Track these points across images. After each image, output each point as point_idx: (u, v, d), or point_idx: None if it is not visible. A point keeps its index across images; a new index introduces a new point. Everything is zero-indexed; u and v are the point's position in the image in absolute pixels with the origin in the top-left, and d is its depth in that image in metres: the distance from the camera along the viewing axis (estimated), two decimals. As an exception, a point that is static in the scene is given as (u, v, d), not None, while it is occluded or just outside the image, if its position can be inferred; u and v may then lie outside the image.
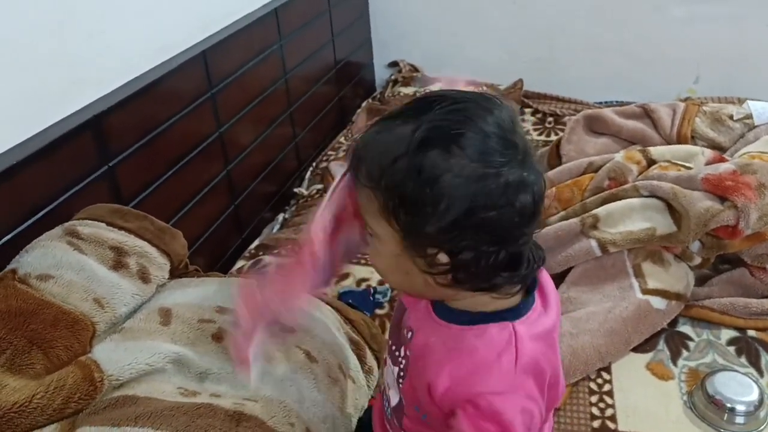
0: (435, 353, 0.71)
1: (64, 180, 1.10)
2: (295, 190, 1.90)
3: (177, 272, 1.11)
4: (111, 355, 0.87)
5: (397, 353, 0.79)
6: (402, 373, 0.78)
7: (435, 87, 2.34)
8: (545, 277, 0.77)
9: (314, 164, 2.03)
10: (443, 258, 0.64)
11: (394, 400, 0.81)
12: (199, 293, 1.03)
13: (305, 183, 1.95)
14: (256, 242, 1.66)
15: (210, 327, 0.98)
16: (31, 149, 1.04)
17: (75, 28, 1.15)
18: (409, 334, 0.76)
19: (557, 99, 2.38)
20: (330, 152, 2.08)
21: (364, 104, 2.39)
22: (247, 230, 1.71)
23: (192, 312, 0.99)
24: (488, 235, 0.62)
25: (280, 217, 1.81)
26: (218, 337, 0.97)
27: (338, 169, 1.88)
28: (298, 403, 0.91)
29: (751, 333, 1.30)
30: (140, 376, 0.87)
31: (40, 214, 1.05)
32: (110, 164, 1.19)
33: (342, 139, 2.16)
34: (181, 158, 1.40)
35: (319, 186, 1.87)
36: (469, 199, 0.60)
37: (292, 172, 1.95)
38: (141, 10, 1.30)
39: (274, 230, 1.75)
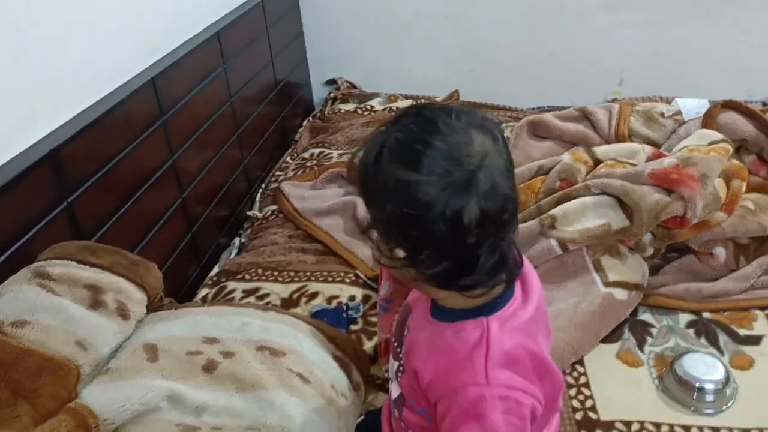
0: (421, 349, 0.76)
1: (24, 218, 1.05)
2: (248, 212, 1.88)
3: (153, 305, 1.07)
4: (101, 398, 0.84)
5: (398, 349, 0.83)
6: (401, 368, 0.81)
7: (374, 101, 2.38)
8: (528, 269, 0.80)
9: (263, 185, 2.01)
10: (400, 253, 0.68)
11: (395, 393, 0.84)
12: (182, 326, 1.01)
13: (256, 205, 1.92)
14: (216, 269, 1.62)
15: (199, 359, 0.96)
16: (-10, 187, 0.99)
17: (27, 59, 1.10)
18: (406, 331, 0.82)
19: (493, 107, 2.45)
20: (278, 172, 2.07)
21: (305, 123, 2.39)
22: (206, 257, 1.68)
23: (178, 345, 0.96)
24: (422, 239, 0.66)
25: (236, 241, 1.78)
26: (208, 368, 0.95)
27: (291, 189, 1.87)
28: (300, 428, 0.90)
29: (707, 315, 1.38)
30: (135, 416, 0.84)
31: (2, 257, 1.00)
32: (69, 199, 1.15)
33: (288, 159, 2.15)
34: (137, 188, 1.36)
35: (273, 207, 1.85)
36: (392, 198, 0.65)
37: (242, 195, 1.93)
38: (89, 34, 1.26)
39: (232, 255, 1.72)
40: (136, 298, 1.02)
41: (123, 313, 0.99)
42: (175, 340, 0.98)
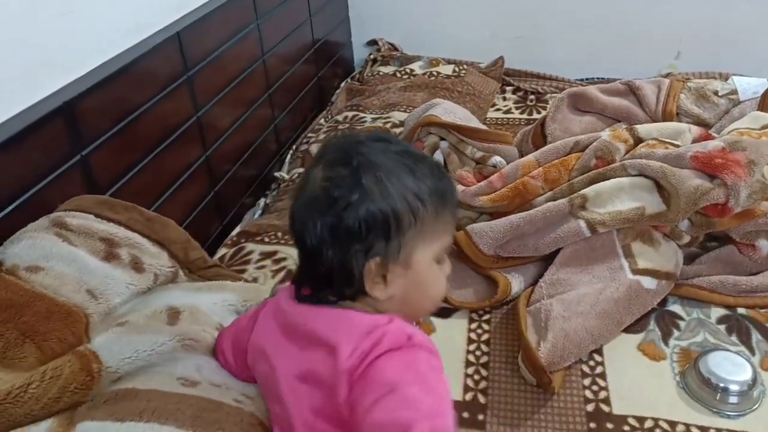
0: None
1: (36, 169, 1.05)
2: (276, 174, 1.86)
3: (193, 265, 1.07)
4: (112, 347, 0.84)
5: None
6: None
7: (415, 65, 2.31)
8: None
9: (294, 147, 1.98)
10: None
11: None
12: (209, 299, 1.00)
13: (285, 166, 1.90)
14: (237, 229, 1.61)
15: (208, 337, 0.94)
16: (1, 137, 0.99)
17: (43, 8, 1.08)
18: None
19: (538, 76, 2.36)
20: (310, 134, 2.04)
21: (342, 84, 2.34)
22: (228, 216, 1.67)
23: (201, 317, 0.96)
24: None
25: (261, 201, 1.77)
26: (212, 350, 0.94)
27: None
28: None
29: (741, 311, 1.30)
30: (138, 369, 0.84)
31: (13, 205, 1.01)
32: (83, 153, 1.14)
33: (322, 121, 2.12)
34: (158, 144, 1.35)
35: (300, 169, 1.82)
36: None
37: (272, 156, 1.91)
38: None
39: (256, 216, 1.71)
40: (151, 252, 1.02)
41: (136, 266, 0.99)
42: (199, 312, 0.98)
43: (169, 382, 0.82)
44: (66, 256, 0.90)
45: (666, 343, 1.24)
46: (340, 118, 2.08)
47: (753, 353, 1.21)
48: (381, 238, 0.75)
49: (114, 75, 1.20)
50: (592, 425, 1.10)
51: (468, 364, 1.24)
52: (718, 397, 1.11)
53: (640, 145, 1.50)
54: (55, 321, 0.83)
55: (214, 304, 0.97)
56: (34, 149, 1.04)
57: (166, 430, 0.73)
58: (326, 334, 0.76)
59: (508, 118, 2.14)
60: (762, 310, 1.29)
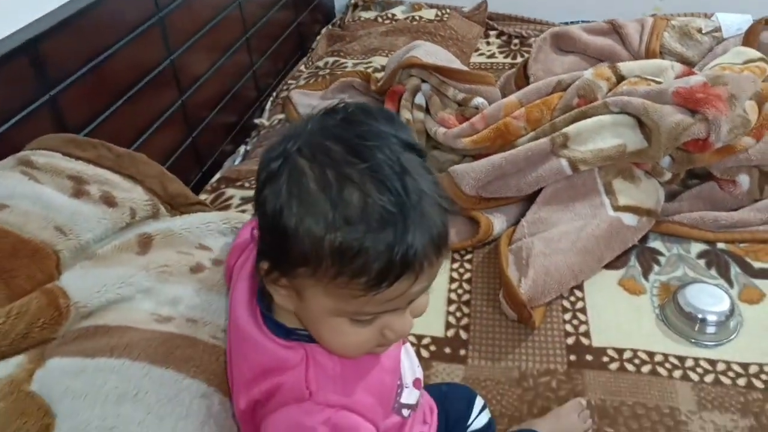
0: None
1: (1, 108, 1.02)
2: (256, 120, 1.83)
3: (174, 201, 1.05)
4: (79, 282, 0.82)
5: None
6: None
7: (397, 10, 2.26)
8: None
9: (274, 94, 1.95)
10: None
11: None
12: (187, 221, 0.97)
13: (266, 113, 1.87)
14: (217, 175, 1.59)
15: (189, 259, 0.92)
16: (-39, 76, 0.95)
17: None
18: None
19: (522, 20, 2.32)
20: (290, 81, 2.00)
21: (323, 30, 2.29)
22: (208, 163, 1.64)
23: (174, 242, 0.93)
24: None
25: (242, 149, 1.74)
26: (195, 270, 0.92)
27: (300, 97, 1.81)
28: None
29: (721, 246, 1.30)
30: (109, 304, 0.82)
31: (-22, 146, 0.98)
32: (51, 93, 1.11)
33: (302, 68, 2.07)
34: (130, 87, 1.31)
35: (281, 116, 1.79)
36: None
37: (251, 103, 1.87)
38: None
39: (236, 162, 1.68)
40: (123, 187, 0.98)
41: (108, 200, 0.95)
42: (174, 236, 0.95)
43: (142, 318, 0.80)
44: (31, 194, 0.86)
45: (646, 278, 1.25)
46: (320, 64, 2.04)
47: (732, 286, 1.22)
48: (268, 243, 0.62)
49: (80, 13, 1.16)
50: (572, 357, 1.11)
51: (450, 302, 1.24)
52: (696, 328, 1.13)
53: (623, 82, 1.48)
54: (21, 258, 0.80)
55: (191, 224, 0.94)
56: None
57: (138, 366, 0.72)
58: (238, 355, 0.72)
59: (491, 63, 2.11)
60: (741, 245, 1.30)
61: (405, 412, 0.75)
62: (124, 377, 0.71)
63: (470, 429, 0.91)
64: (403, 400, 0.75)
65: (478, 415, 0.93)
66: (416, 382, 0.79)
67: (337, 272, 0.56)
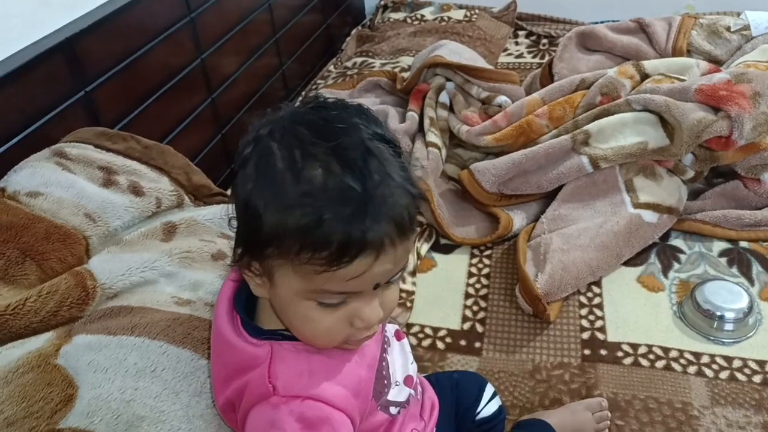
0: None
1: (39, 104, 1.08)
2: (284, 119, 1.87)
3: (198, 192, 1.10)
4: (105, 266, 0.87)
5: None
6: None
7: (426, 11, 2.29)
8: None
9: (303, 93, 1.99)
10: None
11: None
12: (210, 212, 1.02)
13: (294, 113, 1.91)
14: (245, 171, 1.64)
15: (210, 247, 0.96)
16: (2, 72, 1.01)
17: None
18: None
19: (552, 20, 2.32)
20: (319, 81, 2.04)
21: (353, 32, 2.33)
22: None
23: (198, 230, 0.98)
24: None
25: (270, 147, 1.79)
26: (217, 257, 0.96)
27: (327, 96, 1.85)
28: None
29: (743, 244, 1.29)
30: (134, 286, 0.86)
31: (18, 138, 1.04)
32: (87, 89, 1.17)
33: (331, 68, 2.11)
34: (161, 85, 1.36)
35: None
36: None
37: (279, 102, 1.91)
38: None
39: (264, 160, 1.73)
40: (150, 177, 1.04)
41: (135, 190, 1.01)
42: (197, 225, 0.99)
43: (163, 301, 0.84)
44: (64, 182, 0.92)
45: (665, 276, 1.25)
46: (349, 64, 2.07)
47: (752, 284, 1.21)
48: (241, 227, 0.64)
49: (114, 14, 1.22)
50: (587, 351, 1.11)
51: (467, 296, 1.26)
52: (714, 325, 1.12)
53: (647, 80, 1.48)
54: (53, 242, 0.86)
55: (214, 215, 0.99)
56: (35, 84, 1.06)
57: (156, 345, 0.76)
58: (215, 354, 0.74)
59: (520, 63, 2.11)
60: (764, 243, 1.28)
61: (393, 410, 0.76)
62: (143, 354, 0.75)
63: (480, 415, 0.93)
64: (391, 397, 0.76)
65: (488, 402, 0.94)
66: (408, 380, 0.79)
67: (300, 247, 0.57)
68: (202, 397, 0.75)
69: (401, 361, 0.81)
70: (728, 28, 1.65)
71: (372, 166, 0.58)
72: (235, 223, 0.65)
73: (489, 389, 0.96)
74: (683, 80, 1.44)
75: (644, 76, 1.50)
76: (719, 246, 1.30)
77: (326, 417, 0.65)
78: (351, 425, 0.67)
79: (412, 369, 0.82)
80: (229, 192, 1.47)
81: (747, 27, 1.63)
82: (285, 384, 0.64)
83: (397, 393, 0.77)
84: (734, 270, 1.24)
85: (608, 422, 0.98)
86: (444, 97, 1.64)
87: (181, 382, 0.74)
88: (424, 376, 0.95)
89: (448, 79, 1.67)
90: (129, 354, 0.74)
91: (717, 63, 1.61)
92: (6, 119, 1.03)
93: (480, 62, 1.74)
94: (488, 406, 0.94)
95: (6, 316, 0.76)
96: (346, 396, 0.67)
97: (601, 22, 2.23)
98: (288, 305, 0.64)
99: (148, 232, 0.94)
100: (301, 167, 0.57)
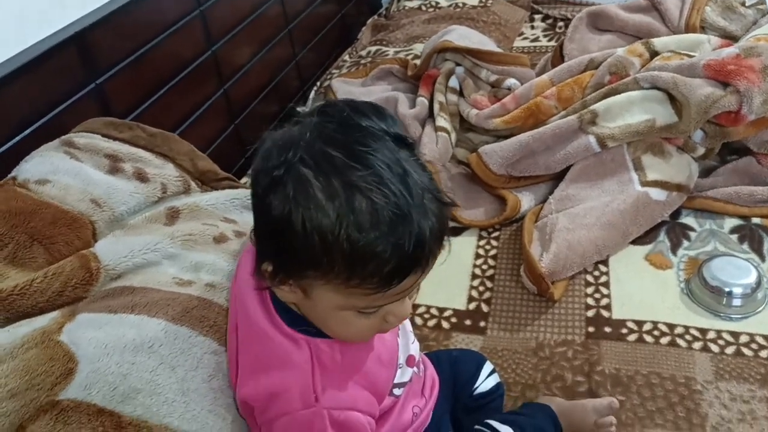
0: None
1: (52, 96, 1.12)
2: (298, 109, 1.89)
3: (204, 177, 1.12)
4: (109, 248, 0.90)
5: None
6: None
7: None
8: None
9: (318, 83, 2.01)
10: None
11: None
12: (213, 197, 1.05)
13: (309, 102, 1.93)
14: (258, 161, 1.66)
15: (212, 230, 0.99)
16: (14, 65, 1.05)
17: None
18: None
19: (568, 2, 2.29)
20: (334, 70, 2.06)
21: (369, 21, 2.34)
22: (250, 150, 1.72)
23: (200, 215, 1.00)
24: None
25: (284, 136, 1.81)
26: (218, 240, 0.98)
27: (340, 85, 1.86)
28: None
29: (756, 220, 1.27)
30: (136, 268, 0.89)
31: (31, 128, 1.08)
32: (98, 81, 1.20)
33: (346, 57, 2.13)
34: (172, 77, 1.40)
35: (322, 103, 1.85)
36: None
37: (294, 92, 1.94)
38: None
39: (278, 149, 1.75)
40: (155, 164, 1.07)
41: (140, 176, 1.03)
42: (200, 210, 1.02)
43: (165, 281, 0.87)
44: (72, 170, 0.96)
45: (674, 253, 1.24)
46: (363, 53, 2.09)
47: (763, 260, 1.19)
48: (273, 248, 0.64)
49: (125, 6, 1.25)
50: (591, 329, 1.12)
51: (474, 276, 1.27)
52: (723, 302, 1.11)
53: (656, 58, 1.46)
54: (60, 226, 0.89)
55: (217, 199, 1.02)
56: (48, 77, 1.10)
57: (155, 322, 0.79)
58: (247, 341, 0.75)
59: (535, 47, 2.10)
60: (778, 219, 1.26)
61: (397, 391, 0.79)
62: (141, 331, 0.77)
63: (477, 390, 0.94)
64: (396, 380, 0.79)
65: (486, 379, 0.95)
66: (410, 359, 0.81)
67: (350, 275, 0.59)
68: (197, 372, 0.77)
69: (403, 341, 0.83)
70: (743, 3, 1.62)
71: (411, 186, 0.59)
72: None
73: (487, 366, 0.97)
74: (693, 56, 1.42)
75: (654, 54, 1.48)
76: (731, 223, 1.28)
77: (356, 421, 0.70)
78: (374, 423, 0.74)
79: (414, 348, 0.84)
80: (245, 181, 1.51)
81: (762, 1, 1.60)
82: (326, 393, 0.68)
83: (400, 375, 0.80)
84: (745, 246, 1.22)
85: (612, 429, 0.93)
86: (454, 82, 1.65)
87: (177, 357, 0.77)
88: (424, 354, 0.96)
89: (457, 64, 1.68)
90: (128, 331, 0.77)
91: (732, 39, 1.58)
92: (20, 110, 1.07)
93: (489, 46, 1.73)
94: (486, 382, 0.95)
95: (14, 296, 0.79)
96: (373, 402, 0.74)
97: (617, 4, 2.21)
98: (324, 314, 0.67)
99: (152, 216, 0.97)
100: (345, 198, 0.58)
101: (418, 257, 0.59)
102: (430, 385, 0.89)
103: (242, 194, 1.07)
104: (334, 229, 0.57)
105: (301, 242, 0.59)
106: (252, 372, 0.73)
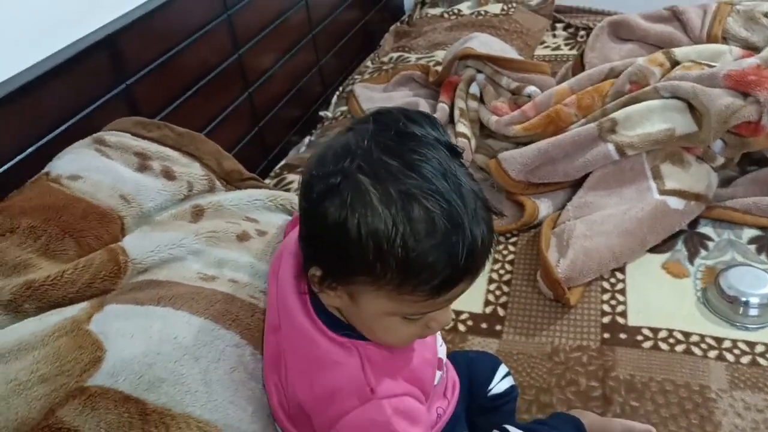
0: None
1: (83, 96, 1.16)
2: (321, 113, 1.92)
3: (229, 177, 1.15)
4: (137, 243, 0.93)
5: None
6: None
7: (463, 5, 2.30)
8: None
9: (340, 88, 2.04)
10: None
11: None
12: (236, 196, 1.08)
13: (331, 107, 1.96)
14: (281, 162, 1.70)
15: (235, 228, 1.01)
16: (48, 66, 1.09)
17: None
18: None
19: (591, 12, 2.30)
20: (356, 76, 2.09)
21: (391, 28, 2.37)
22: (273, 152, 1.75)
23: (224, 214, 1.03)
24: None
25: (306, 139, 1.84)
26: (241, 238, 1.01)
27: (362, 90, 1.89)
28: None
29: (774, 231, 1.27)
30: (162, 262, 0.92)
31: (63, 127, 1.12)
32: (127, 83, 1.24)
33: (368, 63, 2.16)
34: (199, 80, 1.43)
35: (344, 108, 1.88)
36: None
37: (317, 97, 1.97)
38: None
39: (301, 151, 1.78)
40: (182, 162, 1.10)
41: (168, 174, 1.06)
42: (224, 209, 1.05)
43: (189, 276, 0.90)
44: (102, 167, 1.00)
45: (691, 262, 1.24)
46: (385, 59, 2.12)
47: (781, 270, 1.19)
48: (324, 253, 0.65)
49: (154, 11, 1.29)
50: (606, 335, 1.12)
51: (491, 281, 1.28)
52: (740, 311, 1.12)
53: (677, 67, 1.47)
54: (91, 221, 0.93)
55: (240, 200, 1.05)
56: (80, 77, 1.14)
57: (180, 315, 0.82)
58: (294, 353, 0.75)
59: (556, 55, 2.11)
60: (797, 230, 1.26)
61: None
62: (166, 323, 0.80)
63: (492, 392, 0.95)
64: None
65: (500, 381, 0.96)
66: (438, 362, 0.83)
67: (402, 282, 0.60)
68: (219, 364, 0.80)
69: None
70: (766, 14, 1.62)
71: (465, 195, 0.60)
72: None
73: (502, 369, 0.99)
74: (714, 66, 1.42)
75: (674, 64, 1.49)
76: (749, 233, 1.28)
77: (418, 408, 0.72)
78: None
79: (442, 351, 0.85)
80: (269, 182, 1.54)
81: (786, 12, 1.60)
82: (380, 385, 0.69)
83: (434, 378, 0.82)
84: (763, 257, 1.22)
85: None
86: (474, 89, 1.67)
87: (200, 349, 0.80)
88: (441, 355, 0.98)
89: (478, 71, 1.69)
90: (154, 322, 0.80)
91: (754, 50, 1.58)
92: (53, 109, 1.11)
93: (511, 53, 1.75)
94: (500, 384, 0.96)
95: (45, 286, 0.83)
96: (421, 398, 0.74)
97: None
98: (370, 319, 0.68)
99: (177, 213, 1.00)
100: (402, 206, 0.58)
101: (470, 266, 0.61)
102: (451, 387, 0.90)
103: (263, 195, 1.10)
104: (390, 236, 0.58)
105: (356, 248, 0.60)
106: (302, 373, 0.73)
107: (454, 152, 0.64)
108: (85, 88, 1.16)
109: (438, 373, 0.83)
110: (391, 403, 0.68)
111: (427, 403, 0.80)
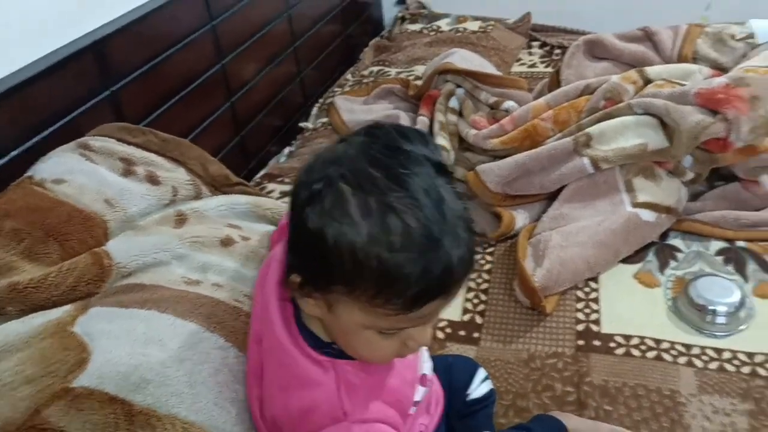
0: None
1: (69, 100, 1.16)
2: (301, 124, 1.94)
3: (216, 181, 1.16)
4: (121, 247, 0.94)
5: None
6: None
7: (442, 22, 2.35)
8: None
9: (321, 100, 2.06)
10: None
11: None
12: (216, 202, 1.09)
13: (312, 118, 1.99)
14: (262, 171, 1.71)
15: (219, 233, 1.03)
16: (35, 70, 1.10)
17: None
18: None
19: (566, 31, 2.36)
20: (336, 88, 2.11)
21: (372, 42, 2.40)
22: (254, 161, 1.77)
23: (206, 220, 1.04)
24: None
25: (286, 150, 1.86)
26: (225, 243, 1.02)
27: (342, 102, 1.92)
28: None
29: (741, 244, 1.32)
30: (147, 267, 0.93)
31: (48, 131, 1.12)
32: (113, 88, 1.25)
33: (348, 76, 2.19)
34: (183, 87, 1.45)
35: (324, 119, 1.91)
36: None
37: (297, 107, 2.00)
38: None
39: (281, 161, 1.80)
40: (166, 167, 1.11)
41: (152, 179, 1.07)
42: (205, 216, 1.06)
43: (174, 280, 0.91)
44: (87, 171, 1.00)
45: (662, 272, 1.28)
46: (365, 72, 2.15)
47: (746, 281, 1.24)
48: (304, 260, 0.65)
49: (140, 19, 1.30)
50: (580, 342, 1.15)
51: (469, 289, 1.31)
52: (708, 319, 1.15)
53: (649, 85, 1.52)
54: (75, 224, 0.93)
55: (219, 206, 1.06)
56: (66, 82, 1.15)
57: (164, 317, 0.83)
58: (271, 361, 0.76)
59: (532, 72, 2.16)
60: (761, 243, 1.31)
61: (411, 409, 0.81)
62: (151, 325, 0.81)
63: (470, 396, 0.97)
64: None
65: (479, 386, 0.99)
66: (422, 379, 0.84)
67: (375, 293, 0.60)
68: (204, 366, 0.80)
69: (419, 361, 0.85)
70: (733, 36, 1.69)
71: (446, 213, 0.60)
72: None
73: (481, 373, 1.01)
74: (685, 85, 1.48)
75: (647, 82, 1.54)
76: (717, 245, 1.33)
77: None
78: None
79: (427, 368, 0.86)
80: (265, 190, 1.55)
81: (752, 35, 1.67)
82: (354, 408, 0.69)
83: (417, 394, 0.82)
84: (730, 268, 1.27)
85: None
86: (454, 102, 1.70)
87: (186, 351, 0.80)
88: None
89: (458, 86, 1.73)
90: (139, 325, 0.81)
91: (722, 71, 1.64)
92: (38, 113, 1.11)
93: (489, 69, 1.79)
94: (479, 388, 0.98)
95: (29, 288, 0.83)
96: (398, 419, 0.75)
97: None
98: (347, 331, 0.68)
99: (161, 219, 1.01)
100: (379, 217, 0.59)
101: (445, 283, 0.61)
102: (435, 403, 0.91)
103: (246, 201, 1.11)
104: (365, 246, 0.58)
105: (332, 257, 0.60)
106: (280, 389, 0.74)
107: (443, 171, 0.64)
108: (71, 92, 1.17)
109: (422, 390, 0.83)
110: (361, 429, 0.69)
111: (409, 421, 0.81)
